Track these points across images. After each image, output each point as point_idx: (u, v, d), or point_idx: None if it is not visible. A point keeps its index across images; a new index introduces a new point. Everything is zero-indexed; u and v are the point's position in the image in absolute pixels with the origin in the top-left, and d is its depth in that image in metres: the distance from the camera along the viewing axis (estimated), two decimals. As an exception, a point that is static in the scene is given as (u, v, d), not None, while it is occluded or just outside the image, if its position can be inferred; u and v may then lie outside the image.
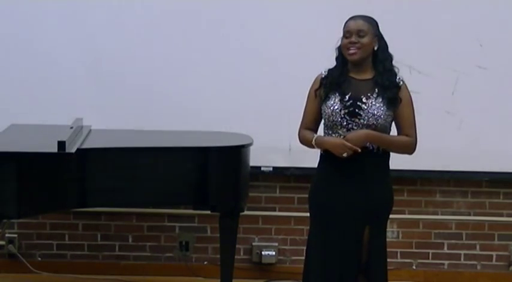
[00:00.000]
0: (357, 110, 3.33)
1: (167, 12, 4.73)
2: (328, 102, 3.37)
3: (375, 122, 3.35)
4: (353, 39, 3.34)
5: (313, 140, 3.40)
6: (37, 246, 4.96)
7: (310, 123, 3.50)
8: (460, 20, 4.71)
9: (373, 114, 3.34)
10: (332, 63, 3.48)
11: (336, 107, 3.34)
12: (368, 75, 3.42)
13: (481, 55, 4.74)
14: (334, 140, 3.35)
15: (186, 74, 4.75)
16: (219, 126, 4.54)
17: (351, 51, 3.35)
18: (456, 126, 4.78)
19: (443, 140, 4.74)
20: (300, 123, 3.54)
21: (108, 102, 4.72)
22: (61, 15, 4.72)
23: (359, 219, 3.39)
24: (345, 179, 3.38)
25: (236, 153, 4.05)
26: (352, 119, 3.34)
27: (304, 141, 3.49)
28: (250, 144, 4.16)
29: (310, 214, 3.53)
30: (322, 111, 3.41)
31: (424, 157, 4.65)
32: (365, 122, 3.34)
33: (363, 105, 3.34)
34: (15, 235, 4.93)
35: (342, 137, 3.35)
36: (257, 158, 4.40)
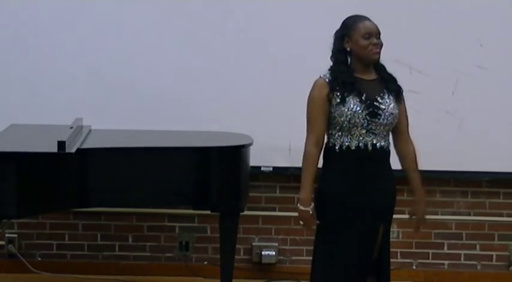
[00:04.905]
0: (375, 110, 3.31)
1: (167, 12, 4.73)
2: (347, 105, 3.30)
3: (393, 121, 3.37)
4: (375, 40, 3.33)
5: (300, 204, 3.36)
6: (37, 246, 4.96)
7: (322, 131, 3.36)
8: (460, 20, 4.71)
9: (391, 113, 3.35)
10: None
11: (358, 109, 3.30)
12: (373, 75, 3.40)
13: (481, 55, 4.74)
14: (304, 214, 3.35)
15: (186, 74, 4.75)
16: (219, 126, 4.54)
17: (376, 52, 3.34)
18: (456, 126, 4.78)
19: (443, 140, 4.74)
20: (307, 132, 3.35)
21: (108, 102, 4.72)
22: (61, 16, 4.72)
23: (378, 218, 3.40)
24: (367, 178, 3.36)
25: (236, 153, 4.05)
26: (373, 120, 3.31)
27: (307, 162, 3.33)
28: (250, 144, 4.16)
29: (323, 215, 3.40)
30: (336, 114, 3.32)
31: (424, 157, 4.67)
32: (384, 122, 3.33)
33: (381, 105, 3.33)
34: (15, 235, 4.93)
35: (361, 137, 3.31)
36: (257, 158, 4.40)
